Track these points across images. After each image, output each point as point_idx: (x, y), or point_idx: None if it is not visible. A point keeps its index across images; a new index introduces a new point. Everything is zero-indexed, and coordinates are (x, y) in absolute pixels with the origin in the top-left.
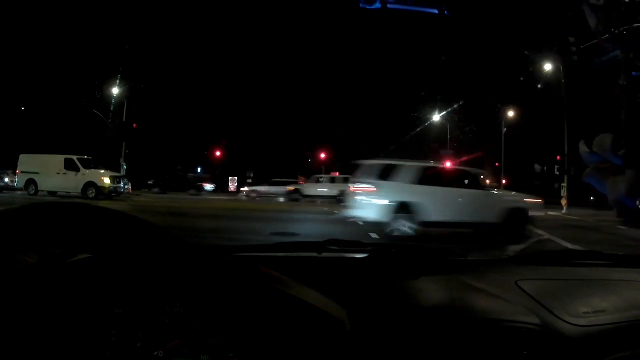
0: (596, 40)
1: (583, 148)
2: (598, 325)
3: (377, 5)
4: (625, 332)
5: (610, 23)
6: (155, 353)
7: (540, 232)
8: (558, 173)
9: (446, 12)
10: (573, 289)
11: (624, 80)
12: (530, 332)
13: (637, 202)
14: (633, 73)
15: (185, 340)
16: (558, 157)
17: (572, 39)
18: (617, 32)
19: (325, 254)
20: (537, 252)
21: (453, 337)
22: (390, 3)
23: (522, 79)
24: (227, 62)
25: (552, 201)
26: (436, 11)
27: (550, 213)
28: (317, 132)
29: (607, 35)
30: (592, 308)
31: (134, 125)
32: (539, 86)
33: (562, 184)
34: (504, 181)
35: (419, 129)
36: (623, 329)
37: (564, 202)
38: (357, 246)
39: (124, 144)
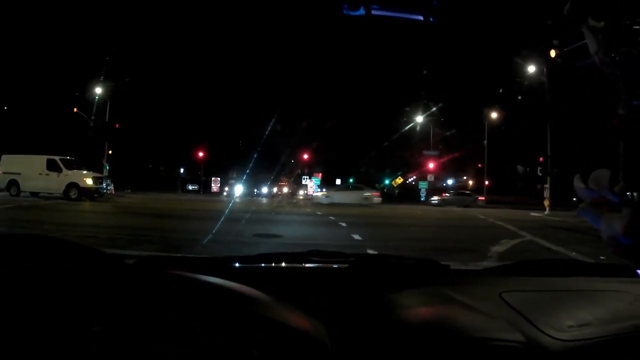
0: (578, 44)
1: (578, 183)
2: (582, 340)
3: (361, 11)
4: (610, 347)
5: (611, 46)
6: None
7: (523, 233)
8: (540, 174)
9: (431, 19)
10: (558, 300)
11: (623, 109)
12: (512, 350)
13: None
14: (634, 102)
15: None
16: (541, 159)
17: (555, 42)
18: (617, 56)
19: (308, 265)
20: (521, 261)
21: (434, 355)
22: (375, 9)
23: (501, 90)
24: (209, 62)
25: (535, 202)
26: (421, 18)
27: (532, 214)
28: (299, 132)
29: (607, 60)
30: (577, 321)
31: (117, 126)
32: (522, 88)
33: (545, 185)
34: (486, 182)
35: (402, 131)
36: (608, 343)
37: (546, 203)
38: (338, 257)
39: (107, 144)
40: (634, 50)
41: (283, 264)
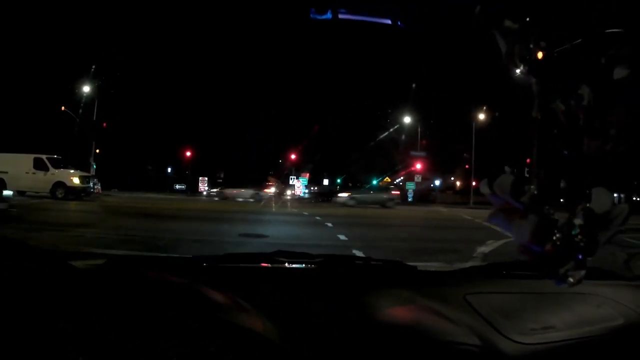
0: (566, 46)
1: (484, 189)
2: (545, 343)
3: (328, 15)
4: (573, 350)
5: (527, 49)
6: None
7: (509, 234)
8: (528, 175)
9: (399, 23)
10: (522, 303)
11: (538, 113)
12: (469, 353)
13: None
14: (549, 106)
15: (123, 356)
16: (528, 160)
17: (542, 44)
18: (532, 59)
19: (278, 265)
20: (490, 263)
21: (394, 356)
22: (342, 13)
23: (486, 99)
24: (197, 62)
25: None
26: (389, 22)
27: None
28: (288, 132)
29: (521, 63)
30: (541, 324)
31: (104, 125)
32: (508, 89)
33: (531, 187)
34: (473, 183)
35: (389, 131)
36: (571, 347)
37: None
38: (304, 257)
39: (94, 143)
40: (551, 52)
41: (250, 265)
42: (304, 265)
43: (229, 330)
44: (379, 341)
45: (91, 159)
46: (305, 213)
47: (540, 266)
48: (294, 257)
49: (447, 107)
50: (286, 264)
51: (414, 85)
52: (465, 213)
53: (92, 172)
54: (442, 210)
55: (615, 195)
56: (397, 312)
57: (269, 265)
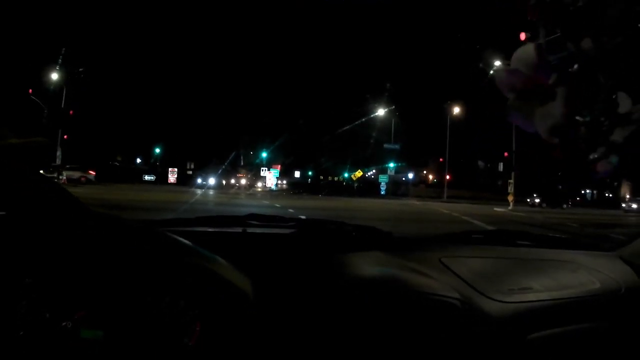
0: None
1: (499, 69)
2: (523, 302)
3: None
4: (552, 310)
5: None
6: (64, 324)
7: (488, 227)
8: (502, 170)
9: None
10: (500, 267)
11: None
12: (451, 306)
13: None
14: None
15: (92, 311)
16: (505, 154)
17: (528, 35)
18: None
19: (251, 230)
20: (465, 231)
21: (368, 309)
22: None
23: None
24: (168, 52)
25: (496, 197)
26: None
27: (496, 209)
28: (261, 124)
29: None
30: (518, 285)
31: (71, 112)
32: (486, 81)
33: (509, 181)
34: (447, 177)
35: (362, 121)
36: (550, 307)
37: (510, 198)
38: (278, 221)
39: (60, 131)
40: None
41: (224, 229)
42: (277, 228)
43: (201, 273)
44: (353, 296)
45: (57, 148)
46: (277, 205)
47: (569, 156)
48: (267, 220)
49: (424, 99)
50: (259, 227)
51: (388, 69)
52: (440, 207)
53: (59, 161)
54: (416, 203)
55: (588, 191)
56: (374, 270)
57: (242, 228)
